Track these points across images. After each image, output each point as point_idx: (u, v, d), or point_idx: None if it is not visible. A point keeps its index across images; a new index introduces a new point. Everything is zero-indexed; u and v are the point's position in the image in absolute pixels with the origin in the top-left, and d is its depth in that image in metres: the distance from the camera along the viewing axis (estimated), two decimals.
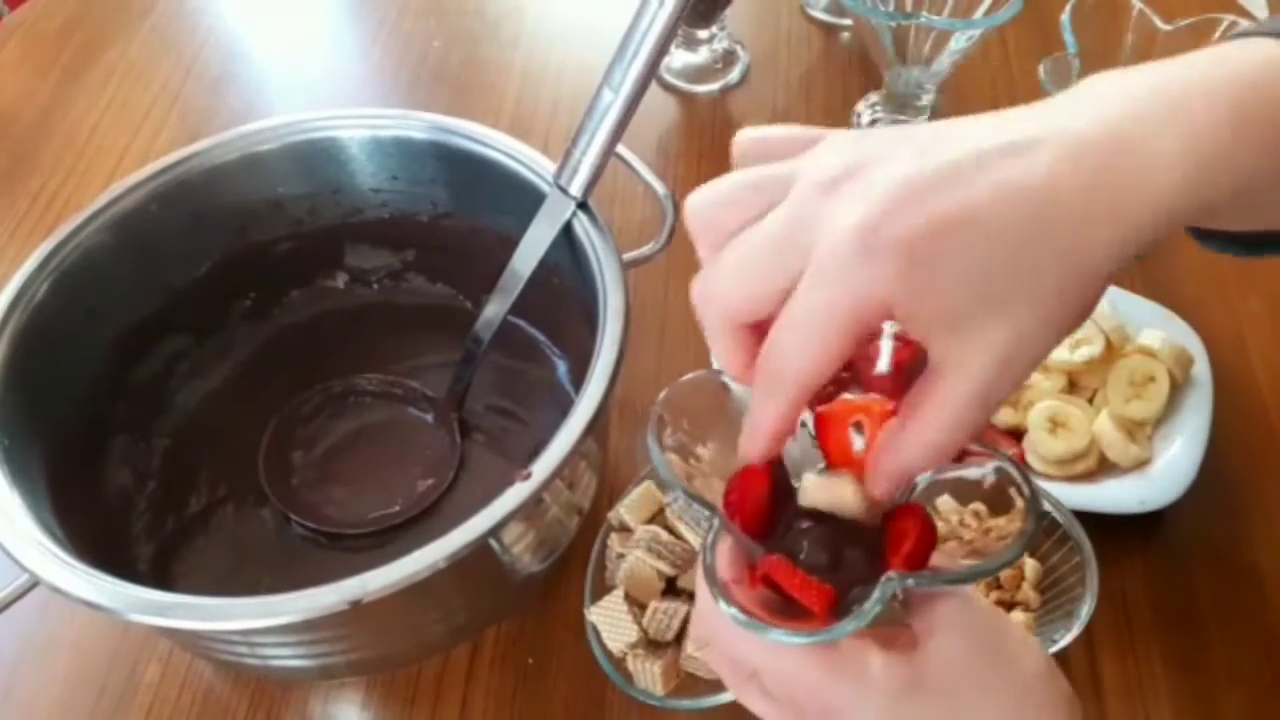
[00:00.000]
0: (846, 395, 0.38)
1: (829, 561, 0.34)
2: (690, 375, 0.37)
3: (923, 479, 0.37)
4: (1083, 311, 0.31)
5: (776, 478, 0.37)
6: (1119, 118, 0.29)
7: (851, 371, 0.38)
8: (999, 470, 0.36)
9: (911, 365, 0.37)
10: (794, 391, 0.32)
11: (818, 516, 0.35)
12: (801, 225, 0.31)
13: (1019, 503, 0.34)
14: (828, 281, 0.30)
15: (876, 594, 0.31)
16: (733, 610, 0.31)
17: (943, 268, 0.29)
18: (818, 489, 0.35)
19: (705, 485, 0.36)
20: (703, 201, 0.33)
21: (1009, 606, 0.52)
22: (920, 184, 0.29)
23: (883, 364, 0.38)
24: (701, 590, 0.34)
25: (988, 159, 0.29)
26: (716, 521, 0.34)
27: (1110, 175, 0.29)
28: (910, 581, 0.32)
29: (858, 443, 0.36)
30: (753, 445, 0.33)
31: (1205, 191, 0.29)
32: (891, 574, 0.32)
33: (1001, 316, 0.29)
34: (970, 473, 0.37)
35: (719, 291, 0.33)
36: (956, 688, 0.32)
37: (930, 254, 0.29)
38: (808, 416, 0.38)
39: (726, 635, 0.34)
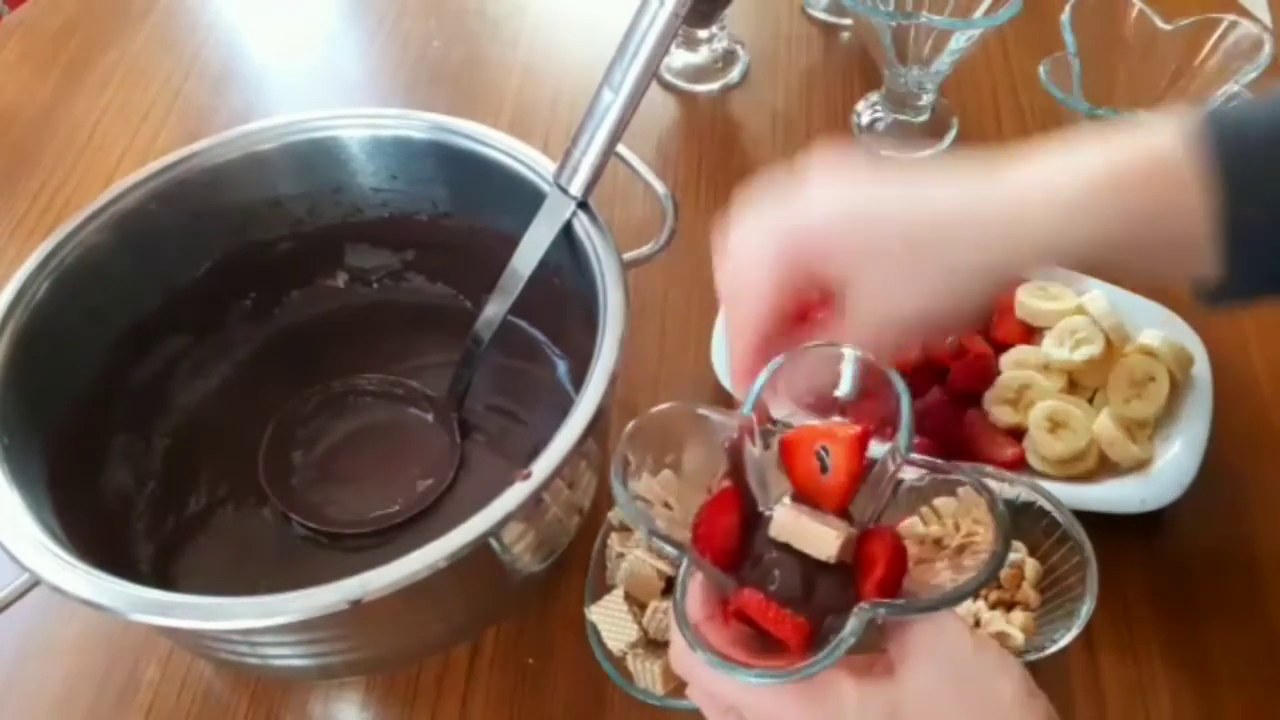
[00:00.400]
0: (811, 420, 0.38)
1: (801, 591, 0.34)
2: (658, 408, 0.38)
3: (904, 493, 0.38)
4: (960, 305, 0.41)
5: (744, 506, 0.37)
6: (1009, 183, 0.40)
7: (815, 399, 0.38)
8: (970, 490, 0.35)
9: (875, 390, 0.38)
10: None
11: (787, 545, 0.35)
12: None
13: (990, 522, 0.34)
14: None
15: (850, 626, 0.31)
16: (706, 655, 0.32)
17: (861, 278, 0.40)
18: (796, 533, 0.35)
19: (680, 516, 0.36)
20: None
21: (1009, 606, 0.52)
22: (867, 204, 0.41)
23: (845, 388, 0.38)
24: (676, 630, 0.34)
25: (895, 199, 0.41)
26: (686, 560, 0.34)
27: (986, 220, 0.39)
28: (883, 611, 0.32)
29: (824, 466, 0.36)
30: None
31: (1069, 234, 0.38)
32: (864, 605, 0.32)
33: (898, 298, 0.40)
34: (941, 492, 0.37)
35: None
36: (933, 715, 0.33)
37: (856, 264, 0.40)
38: (774, 441, 0.38)
39: (702, 673, 0.35)
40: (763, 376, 0.38)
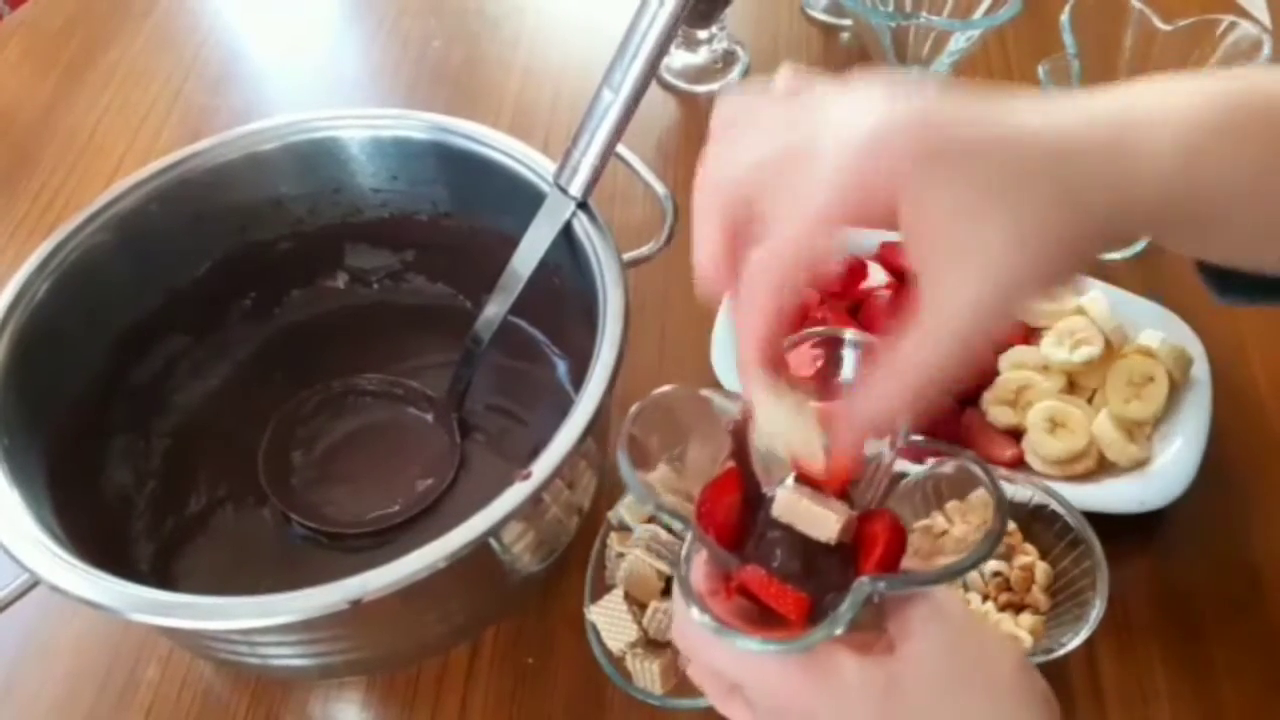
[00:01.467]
0: (814, 404, 0.38)
1: (802, 569, 0.35)
2: (661, 389, 0.38)
3: (907, 479, 0.38)
4: (1060, 271, 0.32)
5: (746, 486, 0.37)
6: (1129, 108, 0.32)
7: (816, 381, 0.38)
8: (964, 469, 0.36)
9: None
10: (802, 227, 0.31)
11: (789, 526, 0.35)
12: (811, 117, 0.32)
13: (987, 500, 0.35)
14: (838, 164, 0.31)
15: (849, 600, 0.32)
16: (706, 618, 0.32)
17: (943, 187, 0.30)
18: (797, 515, 0.35)
19: (685, 497, 0.36)
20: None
21: (1018, 609, 0.52)
22: (937, 112, 0.31)
23: (846, 372, 0.38)
24: (679, 603, 0.34)
25: (1010, 106, 0.31)
26: (690, 535, 0.34)
27: (1115, 149, 0.31)
28: (882, 585, 0.32)
29: (826, 449, 0.36)
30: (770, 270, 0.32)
31: (1192, 178, 0.32)
32: (864, 579, 0.32)
33: (983, 252, 0.30)
34: (942, 469, 0.37)
35: (719, 165, 0.34)
36: (933, 690, 0.33)
37: (933, 170, 0.30)
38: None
39: (706, 648, 0.35)
40: None
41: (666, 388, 0.38)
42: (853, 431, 0.34)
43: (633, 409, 0.37)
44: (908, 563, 0.35)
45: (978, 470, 0.35)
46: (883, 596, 0.33)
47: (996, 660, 0.34)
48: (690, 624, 0.33)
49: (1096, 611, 0.49)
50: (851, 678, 0.33)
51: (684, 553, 0.34)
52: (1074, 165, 0.31)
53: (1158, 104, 0.32)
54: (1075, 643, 0.49)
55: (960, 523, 0.37)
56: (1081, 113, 0.32)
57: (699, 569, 0.34)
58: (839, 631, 0.31)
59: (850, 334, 0.39)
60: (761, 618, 0.34)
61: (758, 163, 0.33)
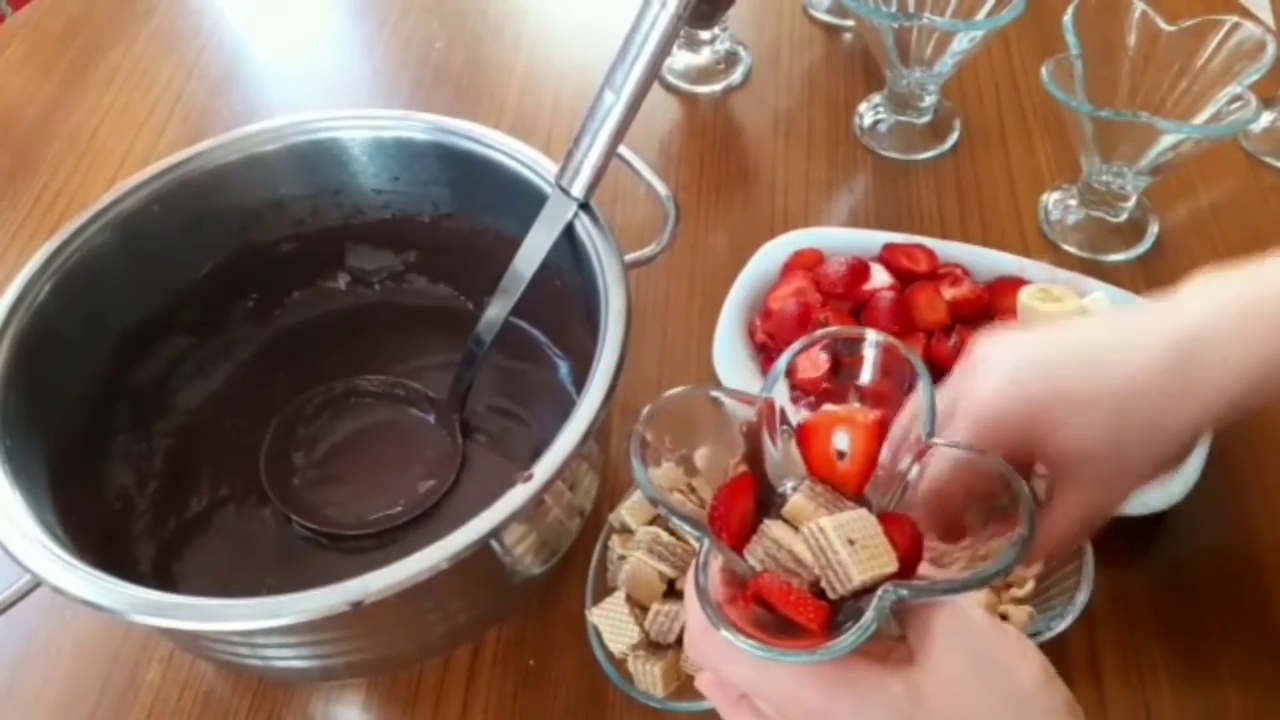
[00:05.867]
0: (830, 406, 0.38)
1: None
2: (673, 391, 0.37)
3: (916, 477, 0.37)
4: (1170, 463, 0.43)
5: (760, 490, 0.37)
6: (1200, 328, 0.41)
7: (835, 382, 0.38)
8: (992, 471, 0.35)
9: (895, 376, 0.37)
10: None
11: None
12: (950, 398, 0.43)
13: (1015, 506, 0.34)
14: (973, 409, 0.42)
15: (874, 606, 0.31)
16: (731, 634, 0.31)
17: (1061, 422, 0.41)
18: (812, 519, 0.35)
19: (697, 500, 0.36)
20: None
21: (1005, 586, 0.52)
22: (1048, 364, 0.42)
23: (866, 374, 0.38)
24: (694, 612, 0.33)
25: (1097, 353, 0.42)
26: (707, 541, 0.33)
27: (1186, 374, 0.41)
28: (906, 593, 0.31)
29: (842, 452, 0.36)
30: None
31: (1260, 388, 0.41)
32: (887, 586, 0.32)
33: (1099, 464, 0.42)
34: (971, 460, 0.36)
35: None
36: (956, 701, 0.32)
37: (1051, 410, 0.41)
38: (791, 419, 0.38)
39: (719, 656, 0.34)
40: (783, 360, 0.38)
41: (679, 389, 0.37)
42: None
43: (645, 410, 0.36)
44: (921, 569, 0.35)
45: (1005, 473, 0.34)
46: (904, 604, 0.32)
47: (1018, 669, 0.33)
48: (706, 633, 0.32)
49: (1084, 595, 0.49)
50: (874, 689, 0.32)
51: (700, 559, 0.33)
52: (1149, 397, 0.41)
53: (1222, 327, 0.41)
54: (1063, 626, 0.49)
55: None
56: (1160, 347, 0.41)
57: (715, 576, 0.33)
58: (865, 639, 0.30)
59: (872, 334, 0.38)
60: (776, 626, 0.33)
61: None
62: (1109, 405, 0.41)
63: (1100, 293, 0.61)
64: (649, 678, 0.49)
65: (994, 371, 0.42)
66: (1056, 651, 0.37)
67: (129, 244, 0.57)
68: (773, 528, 0.35)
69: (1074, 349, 0.43)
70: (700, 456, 0.38)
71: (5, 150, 0.83)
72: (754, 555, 0.35)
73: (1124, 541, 0.56)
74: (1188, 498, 0.55)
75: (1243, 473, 0.60)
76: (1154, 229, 0.72)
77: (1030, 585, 0.52)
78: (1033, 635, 0.49)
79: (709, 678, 0.36)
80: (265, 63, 0.91)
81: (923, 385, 0.36)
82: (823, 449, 0.36)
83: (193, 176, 0.58)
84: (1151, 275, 0.69)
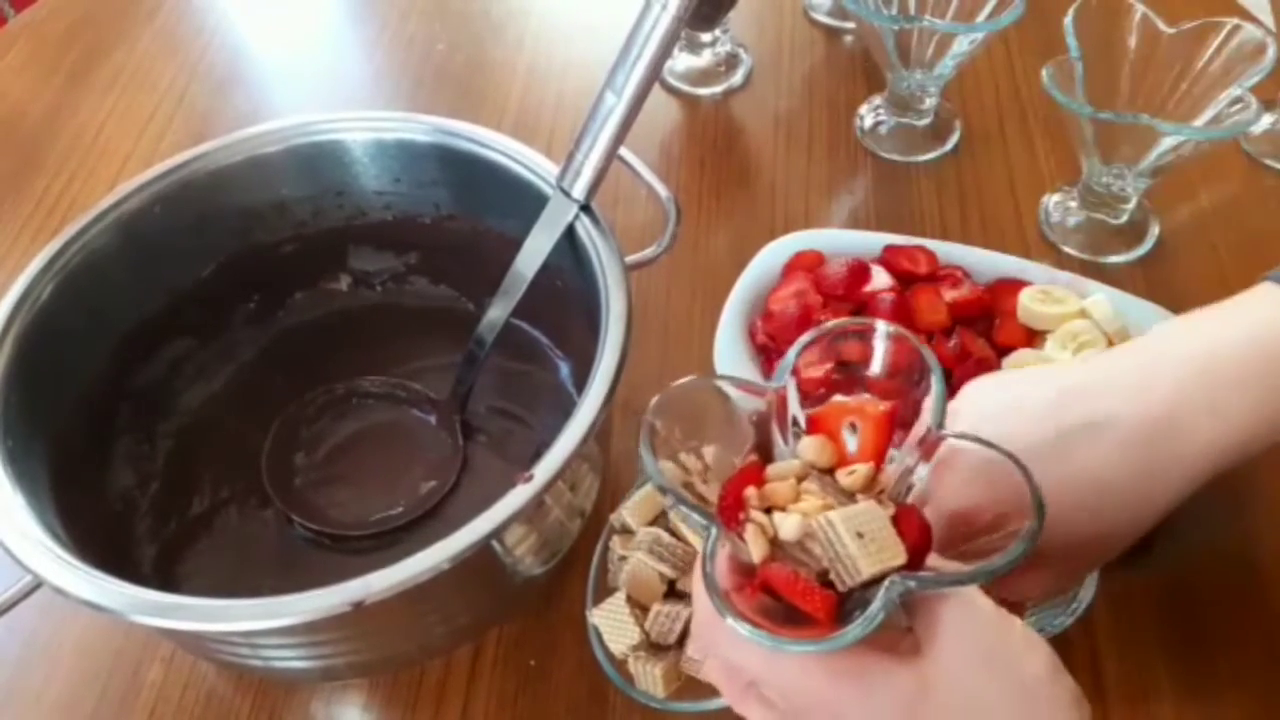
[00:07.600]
0: (839, 397, 0.38)
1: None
2: (682, 381, 0.37)
3: (920, 476, 0.37)
4: (1148, 528, 0.43)
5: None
6: (1171, 403, 0.40)
7: (845, 374, 0.38)
8: (1001, 467, 0.35)
9: (905, 368, 0.37)
10: None
11: None
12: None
13: (1026, 499, 0.34)
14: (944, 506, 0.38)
15: (882, 596, 0.31)
16: (739, 623, 0.31)
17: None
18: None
19: (705, 491, 0.36)
20: None
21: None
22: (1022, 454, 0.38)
23: (877, 366, 0.38)
24: (701, 601, 0.33)
25: (1066, 441, 0.41)
26: (715, 531, 0.33)
27: (1159, 451, 0.41)
28: (913, 584, 0.31)
29: (851, 444, 0.36)
30: None
31: (1237, 454, 0.41)
32: (895, 577, 0.32)
33: (1072, 550, 0.41)
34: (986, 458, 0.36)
35: None
36: (964, 692, 0.32)
37: (1023, 512, 0.38)
38: (800, 416, 0.38)
39: (726, 645, 0.34)
40: (794, 350, 0.38)
41: (687, 378, 0.37)
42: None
43: (654, 400, 0.36)
44: (929, 560, 0.35)
45: (1015, 469, 0.34)
46: (913, 595, 0.32)
47: (1025, 661, 0.33)
48: (714, 622, 0.32)
49: (1086, 595, 0.50)
50: (881, 679, 0.32)
51: (707, 549, 0.33)
52: (1127, 476, 0.41)
53: (1191, 400, 0.40)
54: (1065, 621, 0.49)
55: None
56: (1129, 428, 0.41)
57: (722, 565, 0.33)
58: (873, 629, 0.30)
59: (883, 325, 0.38)
60: (783, 615, 0.33)
61: None
62: (1086, 498, 0.41)
63: (1101, 294, 0.61)
64: (649, 678, 0.49)
65: (961, 467, 0.38)
66: (1057, 653, 0.37)
67: (131, 245, 0.57)
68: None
69: (1047, 442, 0.41)
70: (709, 453, 0.37)
71: (8, 151, 0.83)
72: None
73: None
74: (1186, 498, 0.55)
75: (1240, 472, 0.59)
76: (1154, 231, 0.72)
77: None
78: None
79: (716, 666, 0.36)
80: (267, 65, 0.91)
81: (934, 377, 0.36)
82: (832, 439, 0.36)
83: (195, 178, 0.58)
84: (1152, 277, 0.69)
